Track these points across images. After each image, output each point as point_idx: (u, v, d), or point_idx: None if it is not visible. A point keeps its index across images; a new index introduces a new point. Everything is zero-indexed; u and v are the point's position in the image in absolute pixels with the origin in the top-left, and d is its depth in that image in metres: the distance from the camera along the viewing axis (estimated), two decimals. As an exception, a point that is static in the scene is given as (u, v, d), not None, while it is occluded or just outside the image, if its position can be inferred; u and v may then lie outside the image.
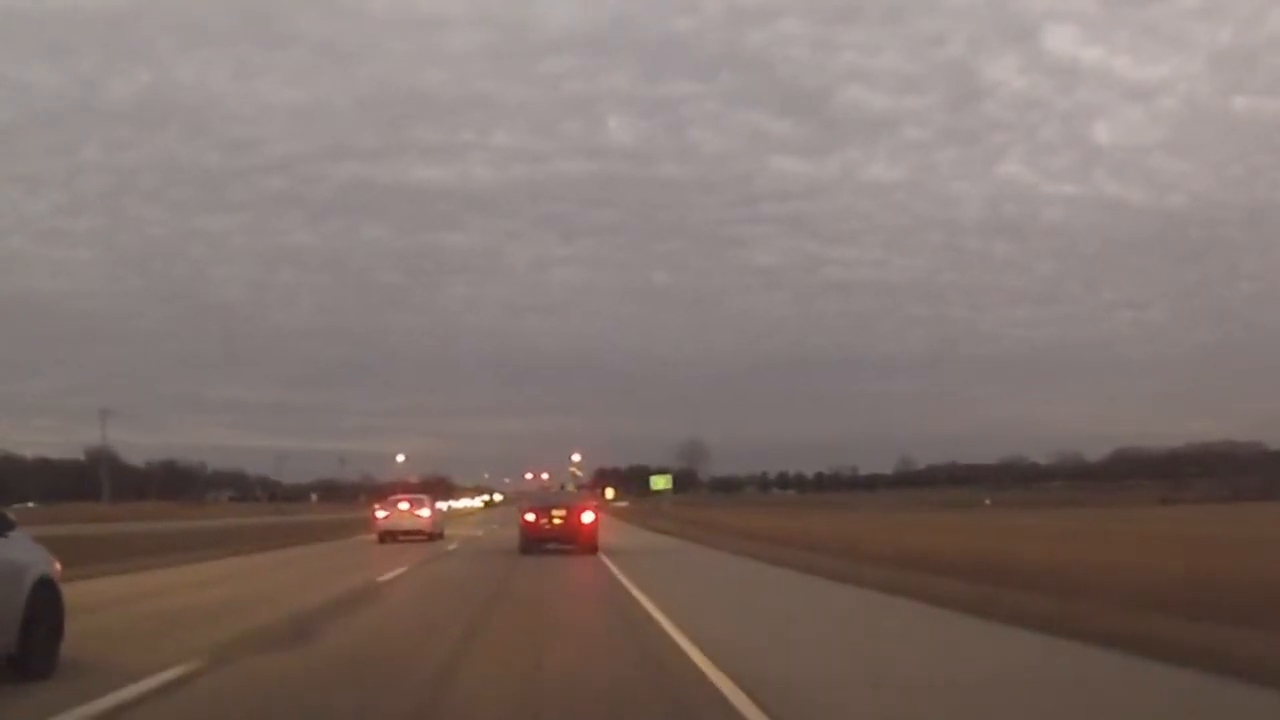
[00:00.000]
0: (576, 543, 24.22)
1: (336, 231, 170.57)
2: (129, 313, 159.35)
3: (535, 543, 24.40)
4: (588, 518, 24.80)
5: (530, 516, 24.88)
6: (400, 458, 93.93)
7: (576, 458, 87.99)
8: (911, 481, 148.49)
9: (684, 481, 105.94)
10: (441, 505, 45.23)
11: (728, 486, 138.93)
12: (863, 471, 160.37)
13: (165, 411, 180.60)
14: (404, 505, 34.27)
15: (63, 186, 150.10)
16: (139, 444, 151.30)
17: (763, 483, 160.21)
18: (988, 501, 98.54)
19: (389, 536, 31.94)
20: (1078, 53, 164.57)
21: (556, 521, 24.51)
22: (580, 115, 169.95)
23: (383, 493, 54.19)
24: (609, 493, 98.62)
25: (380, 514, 33.86)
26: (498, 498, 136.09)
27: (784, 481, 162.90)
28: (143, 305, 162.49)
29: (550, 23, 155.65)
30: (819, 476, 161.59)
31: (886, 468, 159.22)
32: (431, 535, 32.92)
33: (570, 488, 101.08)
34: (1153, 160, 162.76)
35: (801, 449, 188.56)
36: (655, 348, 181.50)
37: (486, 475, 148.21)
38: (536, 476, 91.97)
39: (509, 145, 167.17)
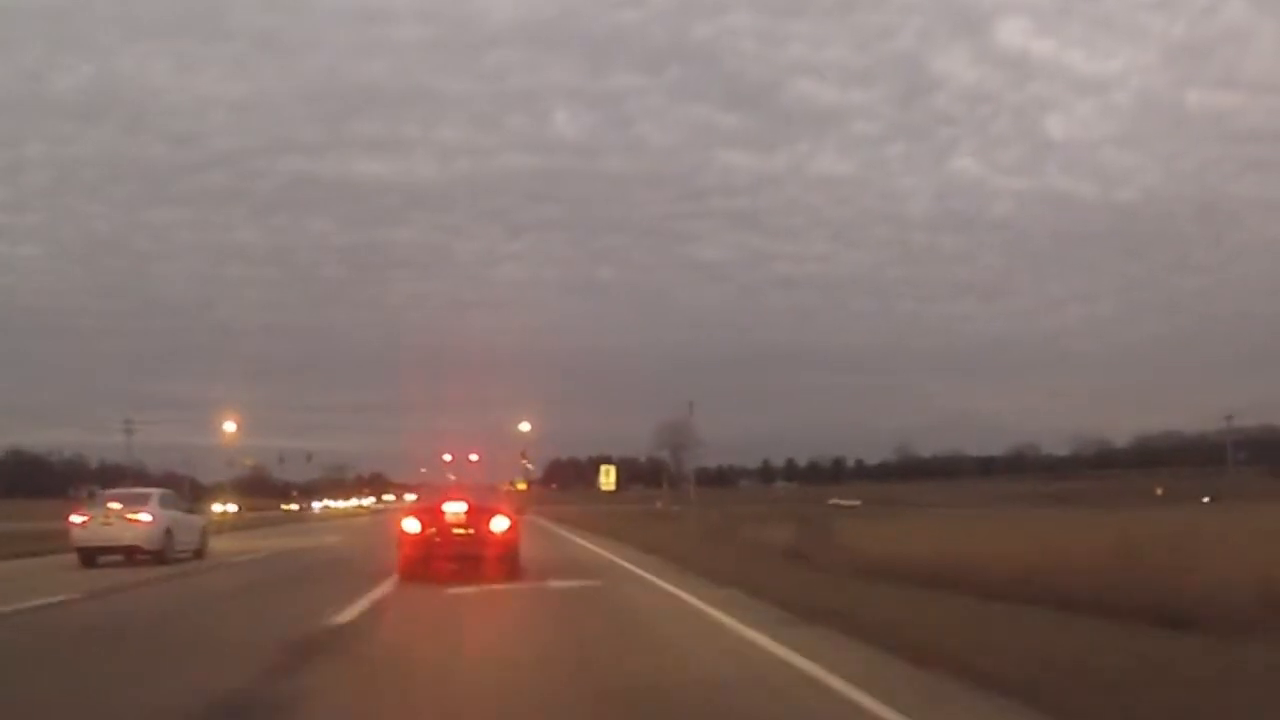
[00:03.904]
0: (486, 560, 15.87)
1: (281, 226, 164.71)
2: (73, 309, 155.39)
3: (421, 564, 15.90)
4: (500, 525, 16.22)
5: (412, 525, 16.15)
6: (229, 426, 64.88)
7: (525, 426, 69.73)
8: (918, 472, 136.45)
9: (656, 475, 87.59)
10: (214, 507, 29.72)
11: (717, 480, 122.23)
12: (850, 461, 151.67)
13: (108, 408, 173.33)
14: (115, 505, 20.83)
15: (6, 181, 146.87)
16: (79, 442, 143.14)
17: (765, 474, 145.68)
18: (1159, 492, 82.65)
19: (94, 554, 20.15)
20: (1029, 45, 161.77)
21: (458, 531, 16.05)
22: (525, 109, 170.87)
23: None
24: (607, 476, 76.99)
25: (76, 520, 20.63)
26: (388, 497, 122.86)
27: (772, 474, 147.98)
28: (87, 301, 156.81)
29: (494, 15, 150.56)
30: (814, 466, 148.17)
31: (870, 457, 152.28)
32: (159, 552, 20.33)
33: (520, 484, 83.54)
34: (1104, 154, 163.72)
35: (767, 441, 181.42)
36: (604, 343, 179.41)
37: (424, 470, 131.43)
38: (462, 459, 72.58)
39: (453, 139, 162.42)
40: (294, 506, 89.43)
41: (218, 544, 26.06)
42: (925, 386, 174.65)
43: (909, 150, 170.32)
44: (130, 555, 20.11)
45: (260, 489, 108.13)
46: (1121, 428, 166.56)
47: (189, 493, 57.24)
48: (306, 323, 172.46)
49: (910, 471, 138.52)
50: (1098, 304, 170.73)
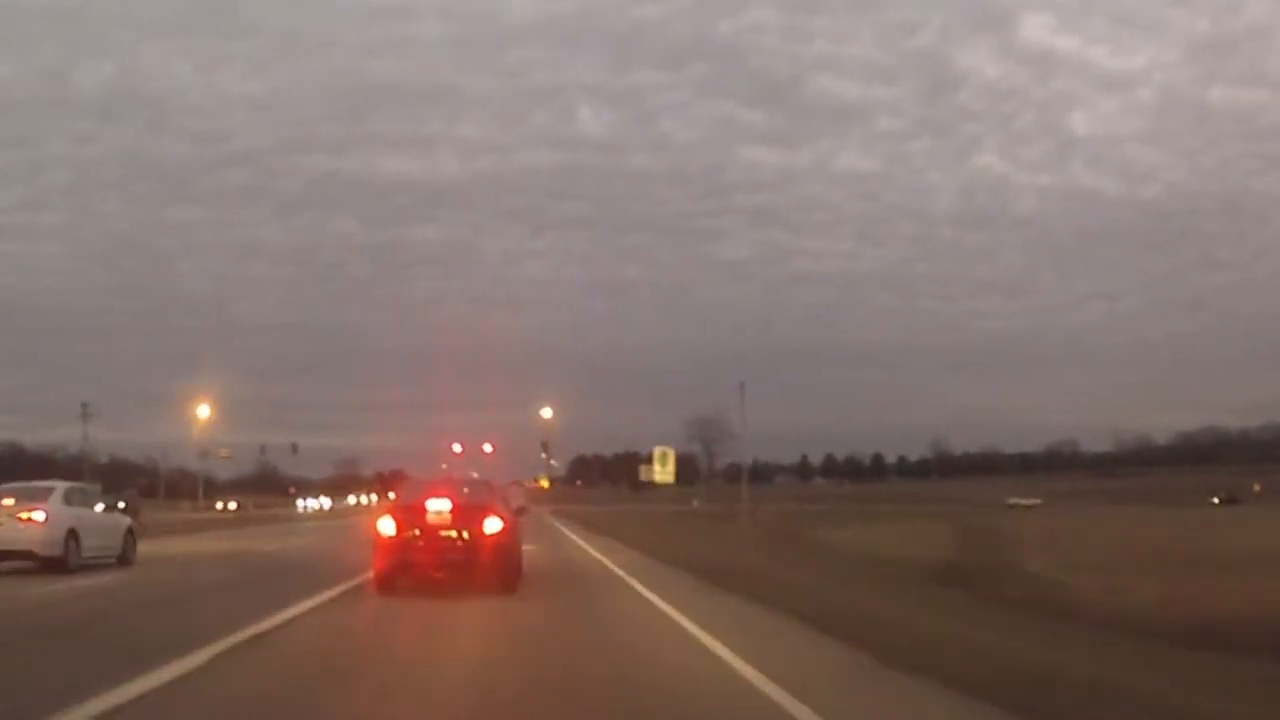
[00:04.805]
0: (476, 569, 13.03)
1: (304, 225, 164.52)
2: (93, 307, 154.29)
3: (399, 571, 13.16)
4: (492, 526, 13.04)
5: (388, 526, 13.07)
6: (203, 411, 58.88)
7: (547, 412, 64.60)
8: (955, 469, 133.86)
9: (685, 472, 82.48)
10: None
11: (752, 476, 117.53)
12: (891, 458, 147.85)
13: (130, 407, 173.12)
14: (8, 502, 16.99)
15: (27, 180, 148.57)
16: (100, 439, 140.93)
17: (802, 470, 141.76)
18: (1257, 489, 77.83)
19: None
20: (1053, 42, 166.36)
21: (443, 534, 12.96)
22: (548, 106, 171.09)
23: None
24: (664, 464, 56.89)
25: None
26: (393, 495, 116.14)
27: (809, 470, 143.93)
28: (108, 300, 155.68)
29: (516, 11, 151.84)
30: (853, 462, 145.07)
31: (895, 453, 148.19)
32: (59, 559, 16.57)
33: (543, 481, 78.59)
34: (1127, 151, 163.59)
35: (792, 437, 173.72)
36: (627, 341, 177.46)
37: (445, 466, 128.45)
38: (474, 449, 67.07)
39: (476, 137, 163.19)
40: (232, 505, 77.35)
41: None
42: (947, 382, 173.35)
43: (932, 147, 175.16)
44: (40, 562, 16.21)
45: (265, 485, 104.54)
46: (1146, 423, 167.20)
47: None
48: (328, 321, 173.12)
49: (948, 468, 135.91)
50: (1121, 300, 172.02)
